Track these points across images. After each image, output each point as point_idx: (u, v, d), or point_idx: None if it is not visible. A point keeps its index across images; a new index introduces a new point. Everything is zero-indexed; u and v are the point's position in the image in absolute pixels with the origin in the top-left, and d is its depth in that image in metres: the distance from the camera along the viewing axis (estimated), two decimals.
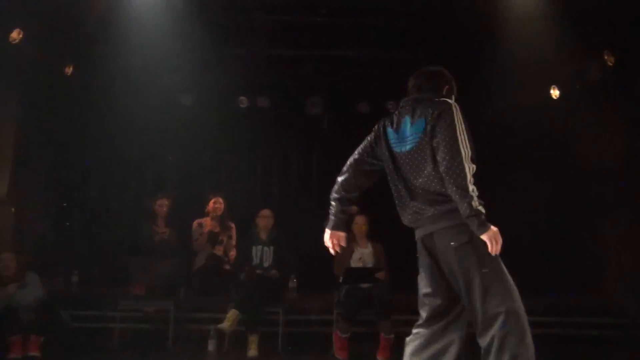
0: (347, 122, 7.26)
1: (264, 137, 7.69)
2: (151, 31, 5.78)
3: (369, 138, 2.80)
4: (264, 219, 5.81)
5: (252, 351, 4.98)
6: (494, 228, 2.35)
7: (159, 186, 7.28)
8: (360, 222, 5.51)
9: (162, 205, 6.28)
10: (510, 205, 6.42)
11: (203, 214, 6.38)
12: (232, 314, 5.06)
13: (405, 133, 2.62)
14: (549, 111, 6.77)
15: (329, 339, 5.08)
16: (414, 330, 2.62)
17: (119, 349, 5.25)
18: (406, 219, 2.64)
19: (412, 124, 2.59)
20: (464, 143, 2.42)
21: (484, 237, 2.34)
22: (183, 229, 6.38)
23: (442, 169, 2.42)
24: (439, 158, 2.44)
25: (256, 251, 5.68)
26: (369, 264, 5.43)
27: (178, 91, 7.08)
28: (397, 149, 2.65)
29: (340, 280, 5.23)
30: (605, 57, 5.91)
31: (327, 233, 2.77)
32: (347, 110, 7.35)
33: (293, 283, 5.82)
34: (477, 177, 2.39)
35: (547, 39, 5.60)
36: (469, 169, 2.38)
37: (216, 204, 6.32)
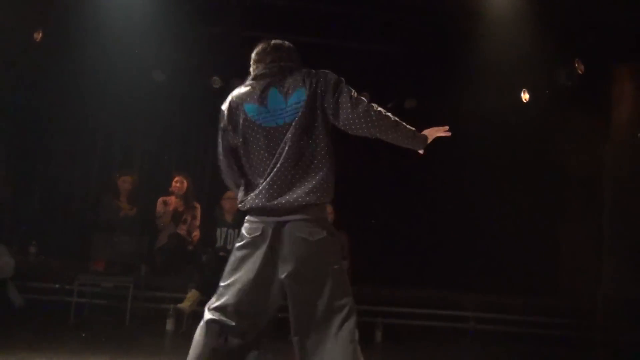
0: None
1: None
2: (126, 3, 5.68)
3: (220, 132, 2.57)
4: (230, 201, 5.77)
5: None
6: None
7: (125, 161, 7.15)
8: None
9: (125, 181, 6.18)
10: (478, 205, 6.53)
11: (169, 192, 6.32)
12: (192, 294, 5.05)
13: (279, 105, 2.46)
14: (519, 114, 6.87)
15: (287, 323, 5.06)
16: None
17: (75, 323, 5.16)
18: (261, 200, 2.39)
19: (286, 94, 2.47)
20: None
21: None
22: (147, 206, 6.30)
23: (353, 116, 2.41)
24: (343, 114, 2.43)
25: (220, 233, 5.67)
26: None
27: (150, 66, 6.92)
28: (268, 124, 2.45)
29: None
30: (576, 65, 6.04)
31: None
32: None
33: None
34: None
35: (520, 42, 5.68)
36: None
37: (177, 182, 6.26)
